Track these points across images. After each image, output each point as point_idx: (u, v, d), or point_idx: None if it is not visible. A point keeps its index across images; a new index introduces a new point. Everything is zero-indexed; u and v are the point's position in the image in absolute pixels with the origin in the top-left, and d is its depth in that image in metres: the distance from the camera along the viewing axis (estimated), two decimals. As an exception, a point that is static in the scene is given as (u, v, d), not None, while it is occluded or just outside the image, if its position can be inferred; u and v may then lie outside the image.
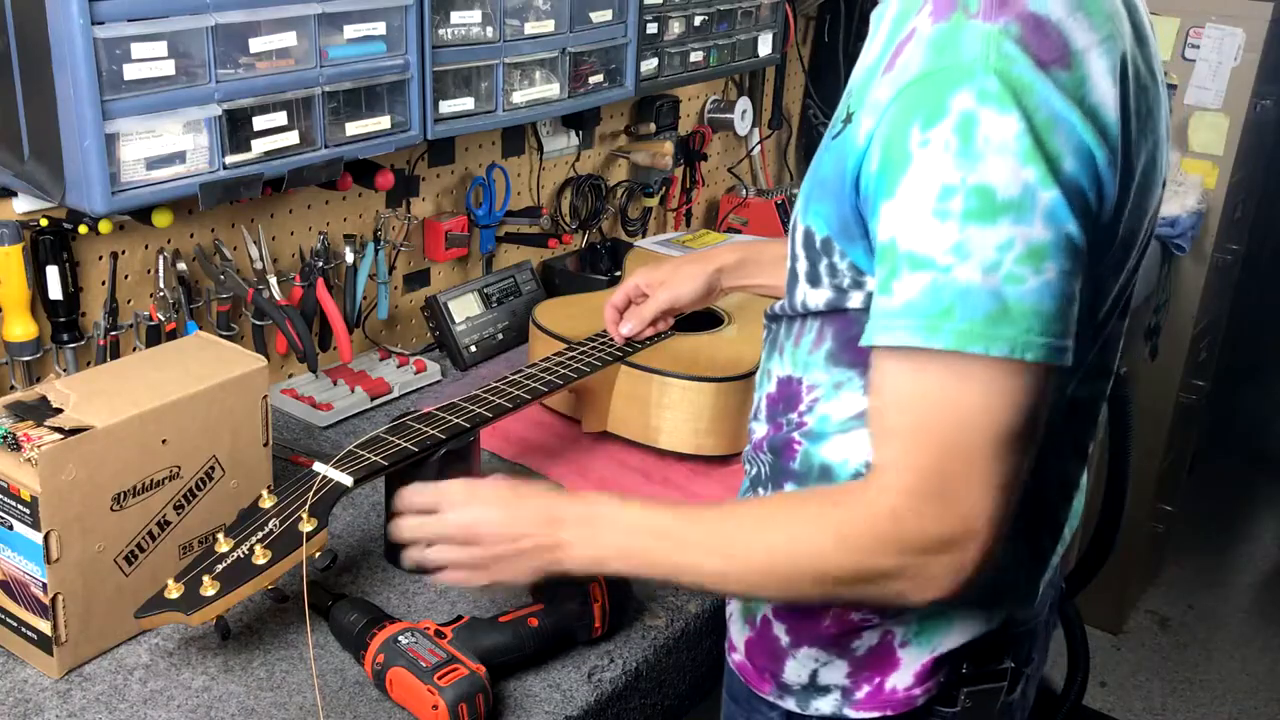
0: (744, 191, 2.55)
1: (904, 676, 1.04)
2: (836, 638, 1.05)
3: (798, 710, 1.09)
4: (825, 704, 1.07)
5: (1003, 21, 0.84)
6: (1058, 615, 1.25)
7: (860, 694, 1.06)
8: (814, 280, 1.00)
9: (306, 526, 1.18)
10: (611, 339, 1.63)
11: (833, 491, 1.00)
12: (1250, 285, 3.35)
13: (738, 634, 1.14)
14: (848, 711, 1.07)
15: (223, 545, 1.16)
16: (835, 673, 1.07)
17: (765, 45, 2.29)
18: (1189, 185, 2.81)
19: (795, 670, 1.08)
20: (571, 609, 1.23)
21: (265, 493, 1.22)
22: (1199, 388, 3.11)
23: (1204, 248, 2.88)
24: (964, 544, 0.88)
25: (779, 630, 1.09)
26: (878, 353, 0.90)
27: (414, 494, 1.13)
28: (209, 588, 1.12)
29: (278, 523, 1.18)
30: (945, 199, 0.84)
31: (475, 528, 1.08)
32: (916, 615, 1.03)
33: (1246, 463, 4.00)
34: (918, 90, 0.86)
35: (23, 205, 1.43)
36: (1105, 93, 0.86)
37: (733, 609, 1.16)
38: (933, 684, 1.04)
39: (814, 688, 1.08)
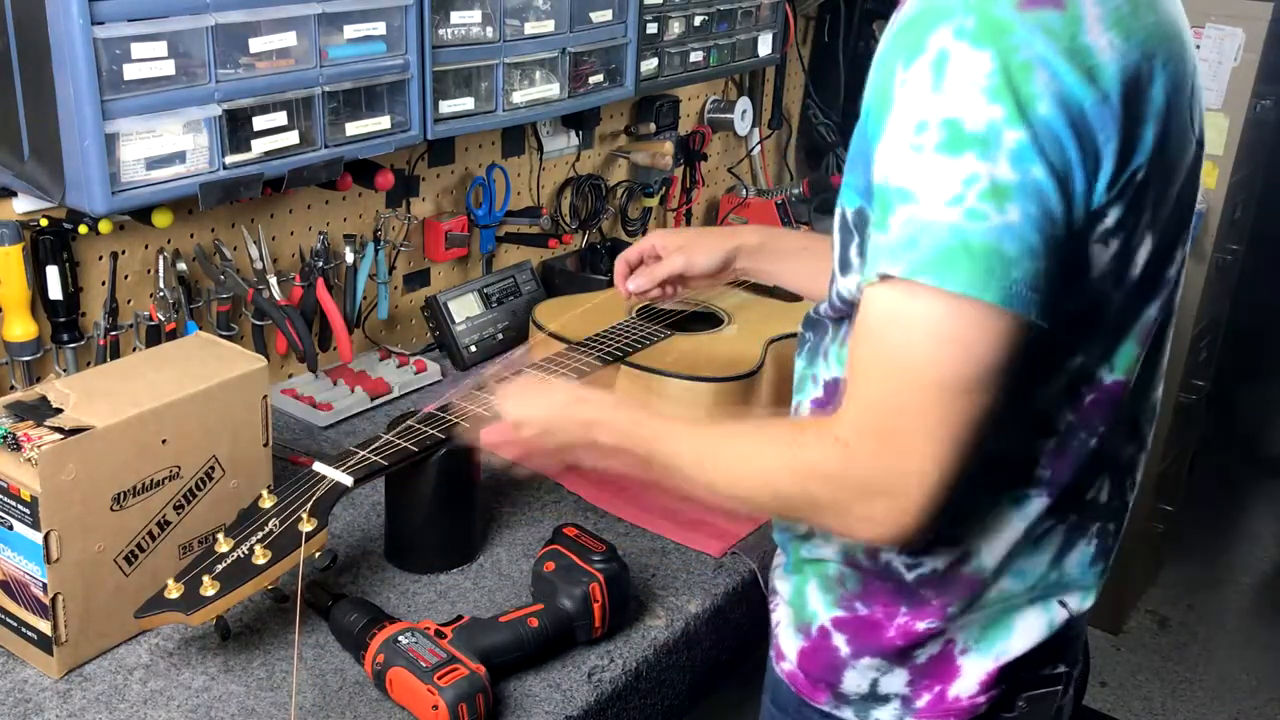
0: (744, 191, 2.55)
1: (967, 684, 1.03)
2: (901, 649, 1.04)
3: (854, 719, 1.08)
4: (885, 713, 1.06)
5: None
6: None
7: (920, 702, 1.05)
8: (845, 266, 0.99)
9: (306, 526, 1.18)
10: (612, 339, 1.63)
11: (805, 420, 1.02)
12: (1250, 285, 3.35)
13: (789, 643, 1.12)
14: None
15: (223, 545, 1.16)
16: (895, 681, 1.05)
17: (765, 45, 2.29)
18: (1189, 185, 2.81)
19: (854, 680, 1.06)
20: (571, 609, 1.23)
21: (265, 493, 1.22)
22: (1199, 388, 3.11)
23: (1204, 248, 2.88)
24: (902, 487, 0.87)
25: (839, 640, 1.07)
26: (865, 290, 0.90)
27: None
28: (209, 588, 1.12)
29: (278, 523, 1.18)
30: (920, 133, 0.84)
31: (519, 417, 1.22)
32: (979, 621, 1.02)
33: (1246, 463, 4.00)
34: (902, 33, 0.88)
35: (23, 205, 1.43)
36: (1099, 35, 0.85)
37: (781, 618, 1.14)
38: (997, 692, 1.03)
39: (873, 697, 1.06)
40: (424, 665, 1.12)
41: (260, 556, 1.15)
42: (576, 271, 2.17)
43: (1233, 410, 3.82)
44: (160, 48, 1.30)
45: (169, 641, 1.24)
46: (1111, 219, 0.88)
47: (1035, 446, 0.98)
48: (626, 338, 1.64)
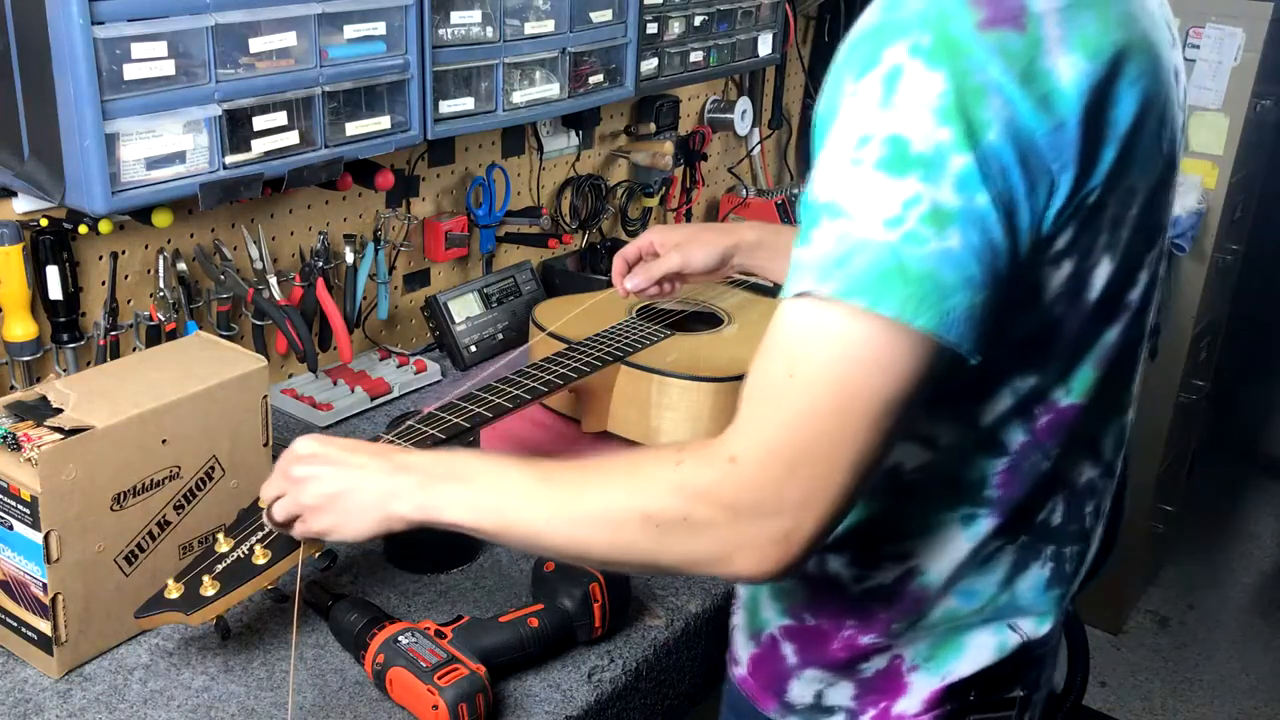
0: (744, 191, 2.56)
1: (912, 702, 1.02)
2: (846, 661, 1.03)
3: None
4: None
5: None
6: (1064, 635, 1.22)
7: (865, 716, 1.04)
8: None
9: (306, 526, 1.18)
10: (611, 339, 1.63)
11: (684, 442, 0.93)
12: (1250, 285, 3.35)
13: (742, 649, 1.12)
14: None
15: (223, 545, 1.16)
16: (841, 694, 1.04)
17: (765, 45, 2.29)
18: (1189, 185, 2.81)
19: (800, 690, 1.06)
20: (571, 609, 1.23)
21: (265, 493, 1.22)
22: (1199, 388, 3.11)
23: (1204, 248, 2.88)
24: (798, 516, 0.82)
25: (787, 650, 1.06)
26: (781, 304, 0.86)
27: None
28: (209, 588, 1.12)
29: (278, 523, 1.18)
30: (861, 147, 0.81)
31: (314, 462, 1.07)
32: (927, 640, 1.01)
33: (1246, 463, 4.00)
34: (857, 46, 0.85)
35: (23, 205, 1.43)
36: (1060, 58, 0.82)
37: (738, 622, 1.13)
38: (941, 712, 1.02)
39: (819, 709, 1.06)
40: (424, 665, 1.12)
41: (260, 556, 1.15)
42: (576, 271, 2.17)
43: (1233, 410, 3.82)
44: (160, 48, 1.30)
45: (169, 641, 1.24)
46: (1063, 241, 0.86)
47: (986, 466, 0.96)
48: (626, 338, 1.64)
